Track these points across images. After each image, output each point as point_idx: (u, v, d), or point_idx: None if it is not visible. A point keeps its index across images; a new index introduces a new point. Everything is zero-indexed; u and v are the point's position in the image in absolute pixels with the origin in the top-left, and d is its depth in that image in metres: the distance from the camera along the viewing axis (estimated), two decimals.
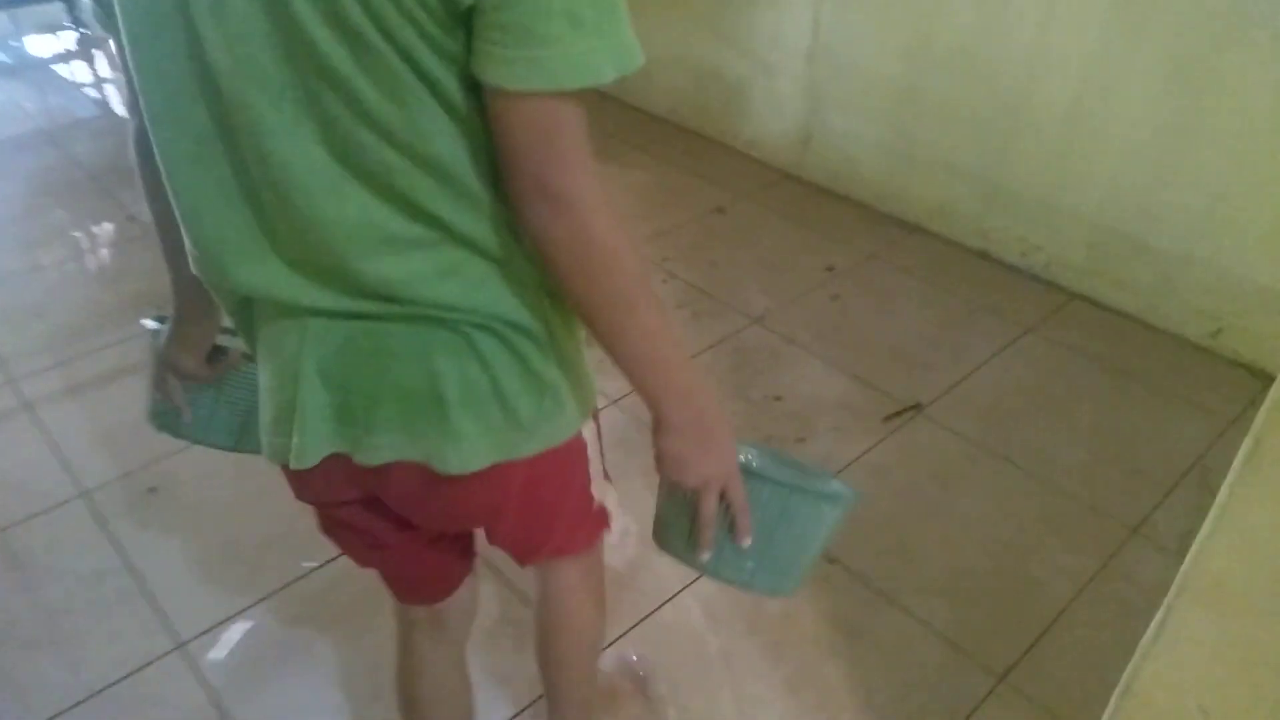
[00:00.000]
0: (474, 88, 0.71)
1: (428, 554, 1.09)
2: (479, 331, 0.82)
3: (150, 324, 1.12)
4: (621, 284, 0.77)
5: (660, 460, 0.88)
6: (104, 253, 2.90)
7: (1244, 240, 2.23)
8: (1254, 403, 2.21)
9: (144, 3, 0.72)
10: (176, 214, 0.83)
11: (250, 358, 1.06)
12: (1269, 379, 2.27)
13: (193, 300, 1.01)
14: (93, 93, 4.19)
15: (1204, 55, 2.14)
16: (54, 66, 4.40)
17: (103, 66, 4.42)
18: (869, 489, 2.00)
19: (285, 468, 0.92)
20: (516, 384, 0.85)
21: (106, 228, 3.05)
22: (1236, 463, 0.78)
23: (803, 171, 3.19)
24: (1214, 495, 2.00)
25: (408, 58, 0.68)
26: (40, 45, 4.55)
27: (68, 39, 4.55)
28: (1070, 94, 2.41)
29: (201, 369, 1.08)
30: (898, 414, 2.20)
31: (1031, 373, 2.34)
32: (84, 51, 4.50)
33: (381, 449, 0.85)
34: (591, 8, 0.66)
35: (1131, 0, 2.21)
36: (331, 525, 1.06)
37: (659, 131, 3.55)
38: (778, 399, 2.26)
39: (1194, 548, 0.85)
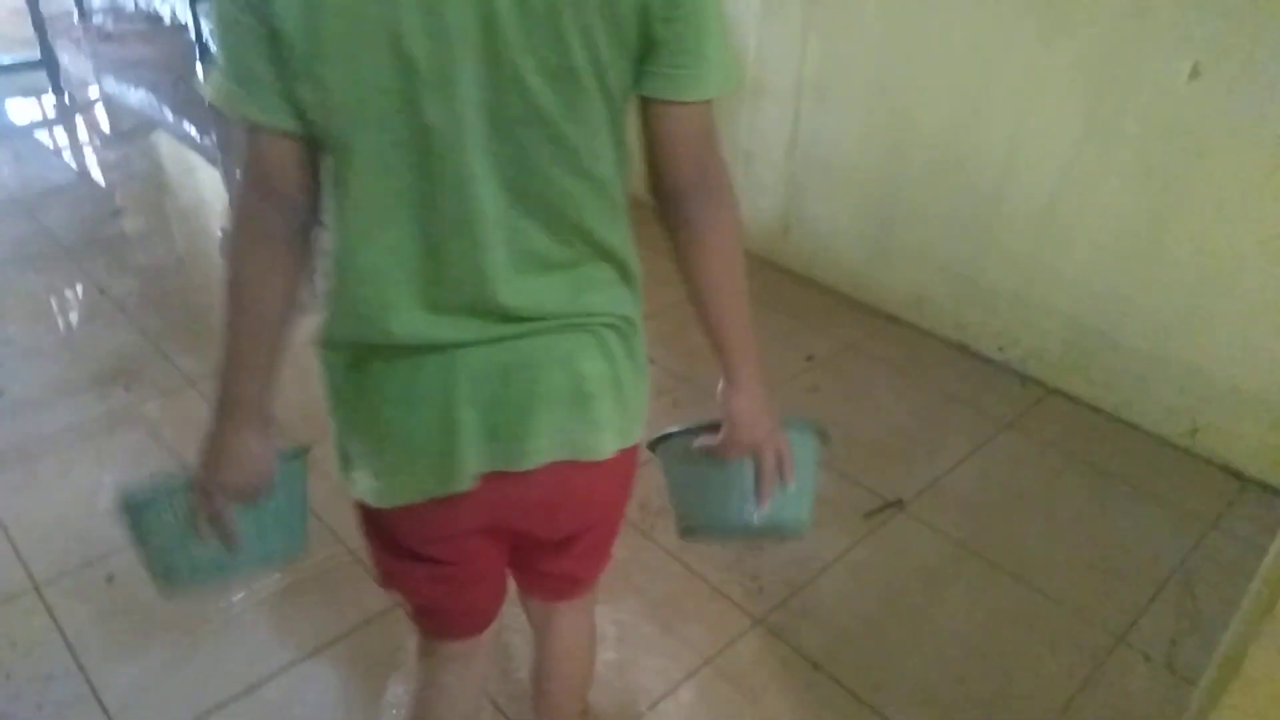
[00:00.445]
0: (624, 109, 0.86)
1: (496, 577, 1.16)
2: (606, 329, 0.94)
3: (135, 491, 0.99)
4: (741, 255, 0.95)
5: (736, 423, 1.00)
6: (73, 327, 2.84)
7: (1217, 342, 2.26)
8: (1233, 505, 2.21)
9: (365, 76, 0.78)
10: (350, 275, 0.87)
11: (296, 453, 1.04)
12: (1247, 480, 2.28)
13: (267, 394, 0.96)
14: (70, 160, 4.17)
15: (1176, 158, 2.19)
16: (33, 133, 4.38)
17: (82, 133, 4.41)
18: (851, 590, 1.96)
19: (396, 508, 0.97)
20: (630, 373, 0.99)
21: (77, 301, 2.99)
22: (1246, 609, 0.76)
23: (782, 259, 3.22)
24: (1196, 601, 1.97)
25: (606, 91, 0.82)
26: (20, 111, 4.54)
27: (48, 105, 4.54)
28: (1044, 192, 2.46)
29: (265, 478, 0.99)
30: (878, 511, 2.18)
31: (1011, 469, 2.34)
32: (64, 118, 4.49)
33: (536, 453, 0.94)
34: (724, 33, 0.85)
35: (1105, 104, 2.27)
36: (410, 565, 1.07)
37: (636, 217, 3.58)
38: None
39: (1200, 693, 0.82)
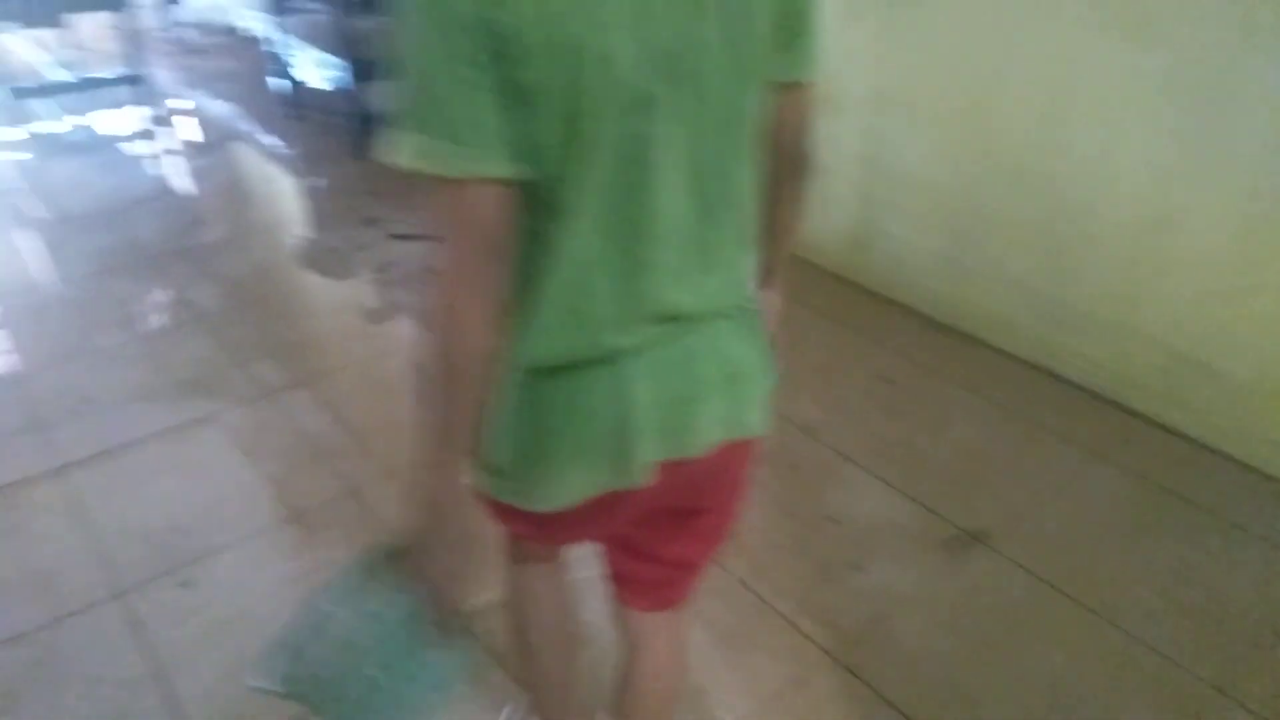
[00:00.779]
0: None
1: None
2: (743, 315, 1.02)
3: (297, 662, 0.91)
4: None
5: (772, 313, 1.22)
6: (158, 337, 2.91)
7: None
8: None
9: (597, 108, 0.80)
10: (551, 297, 0.89)
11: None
12: None
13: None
14: (156, 171, 4.30)
15: None
16: (120, 145, 4.54)
17: (168, 144, 4.55)
18: (930, 626, 1.89)
19: (554, 511, 1.00)
20: (763, 353, 1.06)
21: (161, 311, 3.07)
22: None
23: (856, 275, 3.14)
24: None
25: (765, 85, 0.93)
26: (110, 123, 4.70)
27: (135, 117, 4.70)
28: (1138, 211, 2.35)
29: (481, 554, 1.00)
30: (959, 543, 2.10)
31: (1101, 503, 2.23)
32: (152, 130, 4.64)
33: (705, 439, 1.00)
34: None
35: (1205, 118, 2.16)
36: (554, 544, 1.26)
37: None
38: (832, 520, 2.17)
39: None
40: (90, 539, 2.08)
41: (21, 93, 4.35)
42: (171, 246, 3.46)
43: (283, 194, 4.10)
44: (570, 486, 0.98)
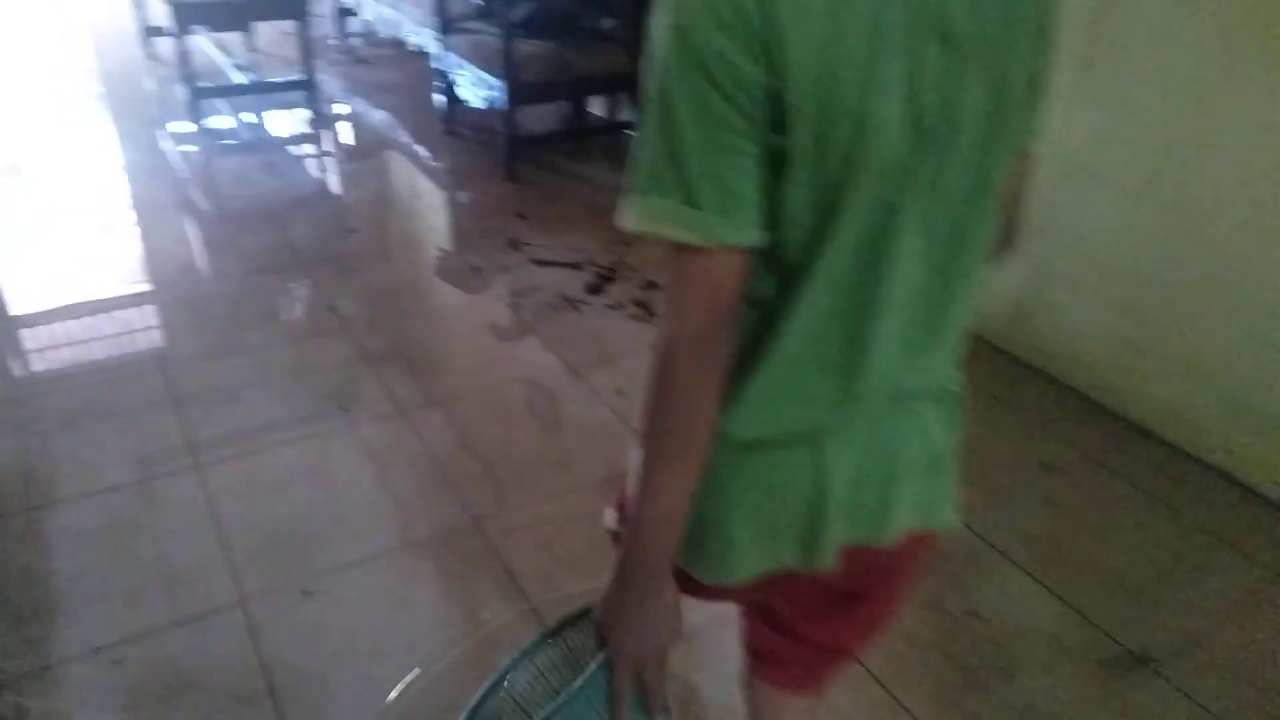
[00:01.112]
0: None
1: None
2: (948, 396, 0.95)
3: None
4: None
5: None
6: (303, 342, 2.97)
7: None
8: None
9: (852, 176, 0.74)
10: (772, 370, 0.83)
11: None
12: None
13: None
14: (315, 175, 4.46)
15: None
16: (284, 146, 4.73)
17: (328, 149, 4.72)
18: None
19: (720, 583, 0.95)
20: (958, 437, 0.98)
21: (309, 316, 3.14)
22: None
23: (1019, 349, 2.94)
24: None
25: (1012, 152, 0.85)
26: (275, 124, 4.91)
27: (300, 121, 4.90)
28: None
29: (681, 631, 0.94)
30: (1120, 663, 1.89)
31: None
32: (315, 134, 4.82)
33: (897, 526, 0.93)
34: None
35: None
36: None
37: None
38: (977, 617, 1.99)
39: None
40: (220, 538, 2.11)
41: (200, 92, 4.59)
42: (322, 251, 3.56)
43: (431, 208, 4.18)
44: (748, 563, 0.93)
